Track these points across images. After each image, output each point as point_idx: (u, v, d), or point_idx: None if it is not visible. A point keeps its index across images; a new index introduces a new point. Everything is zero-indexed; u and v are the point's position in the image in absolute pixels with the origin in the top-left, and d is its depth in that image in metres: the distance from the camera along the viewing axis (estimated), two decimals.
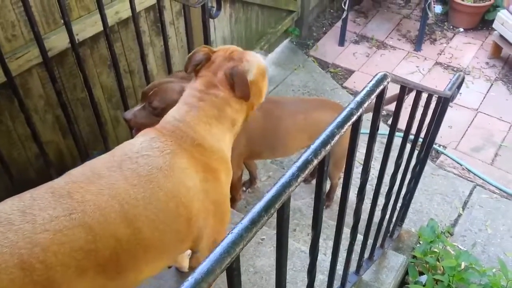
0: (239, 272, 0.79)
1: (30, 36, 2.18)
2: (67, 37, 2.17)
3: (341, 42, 4.54)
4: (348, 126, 1.02)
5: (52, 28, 2.31)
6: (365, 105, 1.07)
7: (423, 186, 3.30)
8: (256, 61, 1.62)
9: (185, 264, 1.96)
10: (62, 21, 2.26)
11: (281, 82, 4.16)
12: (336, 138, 0.98)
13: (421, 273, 2.56)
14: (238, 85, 1.54)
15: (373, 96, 1.11)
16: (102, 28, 2.31)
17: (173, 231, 1.38)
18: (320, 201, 1.08)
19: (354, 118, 1.03)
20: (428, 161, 3.56)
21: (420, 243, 2.66)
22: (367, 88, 1.10)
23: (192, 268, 1.94)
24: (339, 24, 4.65)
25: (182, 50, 3.21)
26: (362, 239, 1.96)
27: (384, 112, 3.88)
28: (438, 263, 2.54)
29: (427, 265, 2.55)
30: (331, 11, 4.98)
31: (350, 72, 4.31)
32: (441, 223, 3.05)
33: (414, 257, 2.55)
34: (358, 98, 1.06)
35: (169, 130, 1.47)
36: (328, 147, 0.96)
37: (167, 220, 1.35)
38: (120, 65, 2.52)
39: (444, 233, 2.95)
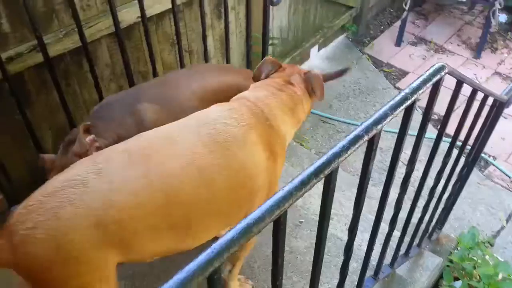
0: (285, 227, 0.86)
1: (102, 8, 2.33)
2: (135, 12, 2.30)
3: (398, 42, 4.49)
4: (401, 109, 1.06)
5: (122, 2, 2.45)
6: (420, 92, 1.10)
7: (468, 195, 3.24)
8: None
9: None
10: None
11: None
12: (388, 119, 1.03)
13: (456, 279, 2.53)
14: (318, 87, 1.72)
15: (429, 84, 1.14)
16: (168, 7, 2.43)
17: (237, 200, 1.44)
18: (365, 179, 1.13)
19: (408, 102, 1.07)
20: (476, 170, 3.49)
21: (458, 249, 2.64)
22: (424, 76, 1.14)
23: None
24: (397, 24, 4.59)
25: (240, 35, 3.30)
26: (399, 235, 1.99)
27: (435, 117, 3.82)
28: (475, 271, 2.51)
29: (463, 272, 2.52)
30: (391, 10, 4.92)
31: (404, 73, 4.26)
32: (483, 232, 2.99)
33: (450, 261, 2.53)
34: (414, 84, 1.10)
35: (246, 106, 1.55)
36: (379, 127, 1.01)
37: (235, 188, 1.41)
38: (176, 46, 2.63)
39: (484, 242, 2.89)
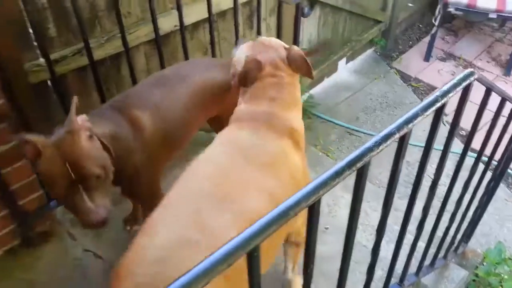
0: (318, 213, 0.92)
1: (142, 15, 2.45)
2: (172, 21, 2.41)
3: (427, 58, 4.50)
4: (431, 111, 1.11)
5: (160, 11, 2.57)
6: (450, 95, 1.15)
7: (495, 211, 3.20)
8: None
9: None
10: (171, 6, 2.52)
11: (359, 90, 4.21)
12: (419, 119, 1.07)
13: None
14: (305, 66, 1.66)
15: (459, 88, 1.19)
16: (203, 17, 2.54)
17: None
18: (395, 176, 1.18)
19: (438, 104, 1.12)
20: (504, 187, 3.46)
21: (484, 264, 2.62)
22: (454, 81, 1.18)
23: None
24: (426, 39, 4.61)
25: None
26: (424, 246, 2.01)
27: (463, 133, 3.81)
28: (500, 286, 2.49)
29: (489, 287, 2.50)
30: (420, 26, 4.94)
31: (432, 88, 4.26)
32: (510, 248, 2.95)
33: (476, 275, 2.52)
34: (444, 88, 1.15)
35: (262, 122, 1.56)
36: (410, 125, 1.06)
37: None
38: (210, 55, 2.74)
39: (511, 258, 2.86)
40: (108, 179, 1.54)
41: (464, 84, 1.20)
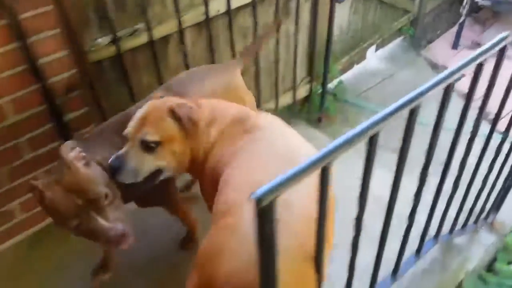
0: (375, 147, 1.09)
1: (190, 1, 2.64)
2: (215, 6, 2.61)
3: (455, 46, 4.60)
4: (472, 65, 1.27)
5: None
6: (488, 53, 1.30)
7: None
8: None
9: None
10: None
11: (388, 77, 4.34)
12: (461, 72, 1.23)
13: (509, 263, 2.63)
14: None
15: (497, 48, 1.34)
16: (244, 2, 2.72)
17: None
18: (438, 127, 1.34)
19: (478, 61, 1.28)
20: None
21: None
22: (492, 42, 1.34)
23: None
24: (454, 29, 4.70)
25: (302, 30, 3.53)
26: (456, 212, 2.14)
27: (490, 118, 3.89)
28: None
29: None
30: (448, 15, 5.03)
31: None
32: None
33: (506, 245, 2.63)
34: (484, 47, 1.30)
35: (247, 118, 1.71)
36: (455, 76, 1.22)
37: None
38: (250, 39, 2.92)
39: None
40: (115, 197, 1.57)
41: (501, 45, 1.35)
